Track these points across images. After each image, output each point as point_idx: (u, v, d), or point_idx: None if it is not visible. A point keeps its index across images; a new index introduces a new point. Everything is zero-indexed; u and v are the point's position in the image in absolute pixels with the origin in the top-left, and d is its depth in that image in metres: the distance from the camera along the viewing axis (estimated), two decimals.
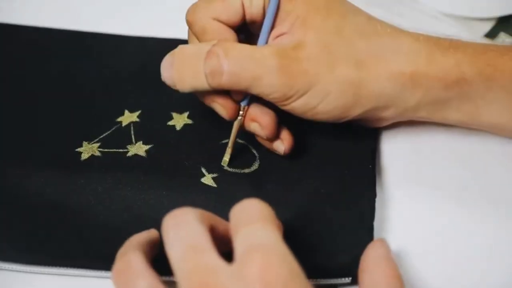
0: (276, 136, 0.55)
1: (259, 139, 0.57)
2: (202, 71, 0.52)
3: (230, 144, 0.56)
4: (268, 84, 0.51)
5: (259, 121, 0.55)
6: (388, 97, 0.53)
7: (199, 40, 0.55)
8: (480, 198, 0.56)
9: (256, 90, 0.52)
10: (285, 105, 0.53)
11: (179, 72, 0.52)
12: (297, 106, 0.53)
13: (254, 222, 0.44)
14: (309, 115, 0.53)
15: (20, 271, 0.52)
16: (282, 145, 0.56)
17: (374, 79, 0.52)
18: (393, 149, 0.59)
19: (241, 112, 0.55)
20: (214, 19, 0.54)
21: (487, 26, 0.68)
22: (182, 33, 0.57)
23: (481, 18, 0.68)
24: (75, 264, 0.51)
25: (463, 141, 0.59)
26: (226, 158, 0.56)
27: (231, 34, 0.54)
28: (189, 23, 0.55)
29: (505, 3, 0.68)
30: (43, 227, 0.53)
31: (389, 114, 0.55)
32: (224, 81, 0.51)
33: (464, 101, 0.54)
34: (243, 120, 0.55)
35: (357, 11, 0.55)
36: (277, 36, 0.54)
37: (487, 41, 0.67)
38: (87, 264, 0.51)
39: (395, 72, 0.52)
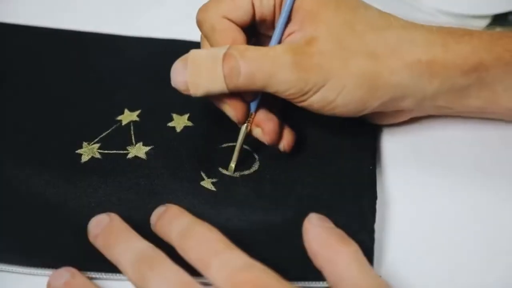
0: (278, 140, 0.56)
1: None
2: (219, 74, 0.51)
3: (236, 151, 0.56)
4: (284, 80, 0.51)
5: (262, 127, 0.55)
6: (405, 87, 0.53)
7: (208, 39, 0.55)
8: (481, 198, 0.56)
9: (272, 88, 0.52)
10: (302, 101, 0.53)
11: (193, 76, 0.52)
12: (314, 101, 0.53)
13: (221, 252, 0.47)
14: (327, 110, 0.54)
15: (19, 273, 0.52)
16: (283, 143, 0.56)
17: (389, 70, 0.52)
18: (393, 149, 0.59)
19: (248, 119, 0.55)
20: (224, 17, 0.54)
21: (483, 23, 0.69)
22: (183, 34, 0.57)
23: (477, 16, 0.69)
24: (75, 267, 0.51)
25: (463, 141, 0.59)
26: (232, 164, 0.56)
27: (240, 34, 0.54)
28: (199, 23, 0.55)
29: (501, 1, 0.68)
30: (43, 229, 0.53)
31: (407, 105, 0.55)
32: (241, 81, 0.52)
33: (482, 87, 0.54)
34: (250, 127, 0.55)
35: (367, 6, 0.55)
36: (288, 35, 0.54)
37: None
38: (87, 267, 0.51)
39: (411, 61, 0.53)
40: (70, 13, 0.69)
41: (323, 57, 0.52)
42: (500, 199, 0.56)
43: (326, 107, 0.53)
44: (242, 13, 0.54)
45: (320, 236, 0.48)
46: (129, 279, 0.48)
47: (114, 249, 0.49)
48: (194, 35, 0.59)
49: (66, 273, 0.50)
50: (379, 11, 0.55)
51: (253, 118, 0.55)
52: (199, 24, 0.55)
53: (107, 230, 0.50)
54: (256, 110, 0.55)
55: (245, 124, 0.55)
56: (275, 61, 0.51)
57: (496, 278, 0.52)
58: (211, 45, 0.55)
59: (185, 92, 0.53)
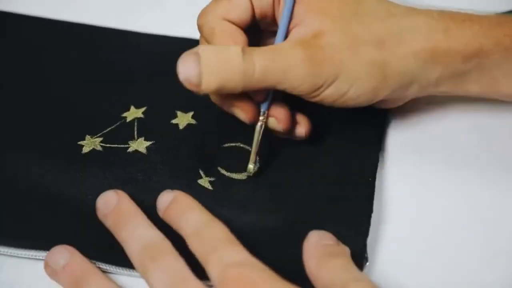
0: (293, 128, 0.56)
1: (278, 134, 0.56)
2: (233, 70, 0.50)
3: (253, 151, 0.55)
4: (297, 76, 0.51)
5: (275, 116, 0.54)
6: (412, 74, 0.53)
7: (208, 42, 0.54)
8: (481, 198, 0.56)
9: (285, 84, 0.51)
10: (315, 96, 0.52)
11: (208, 70, 0.50)
12: (327, 95, 0.52)
13: (220, 247, 0.47)
14: (339, 103, 0.53)
15: (19, 257, 0.52)
16: (301, 128, 0.56)
17: (397, 58, 0.53)
18: (393, 149, 0.59)
19: (261, 118, 0.54)
20: (224, 19, 0.54)
21: None
22: (184, 34, 0.57)
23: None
24: None
25: (465, 141, 0.59)
26: (251, 165, 0.55)
27: (240, 35, 0.54)
28: (199, 27, 0.55)
29: (501, 0, 0.68)
30: (39, 216, 0.54)
31: (411, 92, 0.55)
32: (256, 79, 0.50)
33: (483, 72, 0.55)
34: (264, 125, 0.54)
35: None
36: (292, 28, 0.53)
37: None
38: (85, 255, 0.51)
39: (417, 49, 0.53)
40: (70, 13, 0.69)
41: (333, 48, 0.51)
42: (501, 199, 0.56)
43: (339, 100, 0.53)
44: (241, 11, 0.54)
45: (315, 256, 0.49)
46: (134, 266, 0.49)
47: (122, 232, 0.50)
48: (194, 35, 0.59)
49: (65, 251, 0.50)
50: (378, 0, 0.54)
51: (266, 117, 0.54)
52: (199, 29, 0.55)
53: (115, 211, 0.51)
54: (269, 108, 0.54)
55: (260, 123, 0.54)
56: (287, 57, 0.51)
57: (496, 278, 0.52)
58: None
59: (195, 88, 0.50)
